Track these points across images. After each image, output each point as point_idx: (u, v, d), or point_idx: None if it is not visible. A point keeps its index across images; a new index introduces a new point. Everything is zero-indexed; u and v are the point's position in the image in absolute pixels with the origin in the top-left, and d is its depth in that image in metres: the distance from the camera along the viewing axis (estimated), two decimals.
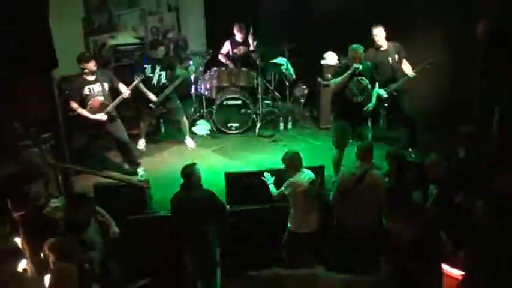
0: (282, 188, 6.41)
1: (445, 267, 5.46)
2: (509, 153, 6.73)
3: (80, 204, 5.91)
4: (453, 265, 5.61)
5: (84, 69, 7.65)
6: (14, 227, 6.29)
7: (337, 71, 7.76)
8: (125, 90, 7.98)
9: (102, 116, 7.75)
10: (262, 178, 6.70)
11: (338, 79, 7.46)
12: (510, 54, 7.18)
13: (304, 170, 6.39)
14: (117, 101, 7.90)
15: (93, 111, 7.74)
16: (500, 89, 7.37)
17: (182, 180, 6.45)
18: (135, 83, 8.11)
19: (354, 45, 7.42)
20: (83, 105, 7.73)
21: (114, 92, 8.01)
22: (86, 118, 7.74)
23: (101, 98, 7.80)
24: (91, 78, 7.73)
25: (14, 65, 6.02)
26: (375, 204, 6.24)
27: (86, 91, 7.71)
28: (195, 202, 6.16)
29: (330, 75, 9.35)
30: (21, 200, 6.15)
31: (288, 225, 6.48)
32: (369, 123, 7.93)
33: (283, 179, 6.52)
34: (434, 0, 8.21)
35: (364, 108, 7.57)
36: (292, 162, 6.37)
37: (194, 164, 6.32)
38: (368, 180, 6.23)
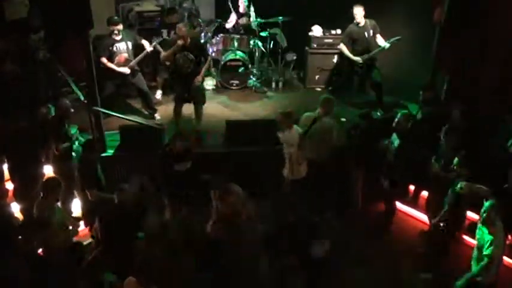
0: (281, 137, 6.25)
1: None
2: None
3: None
4: None
5: (113, 30, 7.71)
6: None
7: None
8: (147, 46, 7.99)
9: (125, 70, 7.83)
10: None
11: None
12: (457, 37, 7.32)
13: (295, 126, 6.22)
14: (139, 57, 7.96)
15: (119, 65, 7.81)
16: (448, 64, 7.54)
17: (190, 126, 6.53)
18: (154, 42, 8.13)
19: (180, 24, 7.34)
20: (111, 60, 7.78)
21: (137, 50, 8.04)
22: (113, 70, 7.80)
23: (126, 55, 7.86)
24: (118, 37, 7.78)
25: (60, 26, 6.13)
26: (325, 144, 6.43)
27: (114, 48, 7.78)
28: None
29: (315, 45, 9.57)
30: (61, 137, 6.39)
31: (285, 173, 6.40)
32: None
33: (272, 129, 6.67)
34: None
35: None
36: (289, 118, 6.19)
37: None
38: (320, 123, 6.32)
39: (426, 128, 6.79)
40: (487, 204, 5.09)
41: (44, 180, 5.34)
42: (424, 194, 7.14)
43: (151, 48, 8.05)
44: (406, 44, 8.26)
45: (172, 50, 7.25)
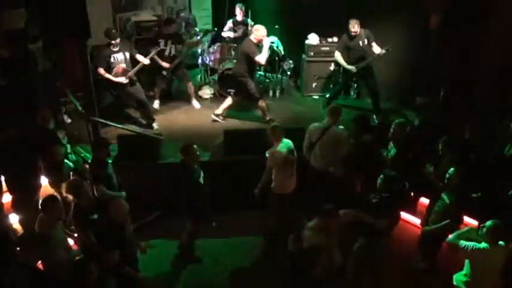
0: (266, 154, 6.24)
1: None
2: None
3: (103, 144, 6.13)
4: None
5: (110, 41, 7.75)
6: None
7: None
8: (143, 59, 8.03)
9: (123, 80, 7.83)
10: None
11: None
12: (454, 44, 7.35)
13: (284, 140, 6.22)
14: (137, 67, 7.97)
15: (117, 75, 7.81)
16: (444, 72, 7.56)
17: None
18: (152, 53, 8.15)
19: None
20: (109, 71, 7.79)
21: (134, 61, 8.05)
22: (111, 81, 7.81)
23: (123, 65, 7.87)
24: (116, 48, 7.80)
25: (58, 36, 6.11)
26: (337, 153, 6.38)
27: (111, 59, 7.79)
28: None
29: (312, 53, 9.56)
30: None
31: (272, 186, 6.32)
32: None
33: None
34: None
35: None
36: (274, 133, 6.21)
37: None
38: (331, 132, 6.33)
39: (424, 134, 6.79)
40: (488, 223, 4.84)
41: (41, 200, 5.22)
42: (423, 200, 7.14)
43: (148, 61, 8.08)
44: (402, 51, 8.28)
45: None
